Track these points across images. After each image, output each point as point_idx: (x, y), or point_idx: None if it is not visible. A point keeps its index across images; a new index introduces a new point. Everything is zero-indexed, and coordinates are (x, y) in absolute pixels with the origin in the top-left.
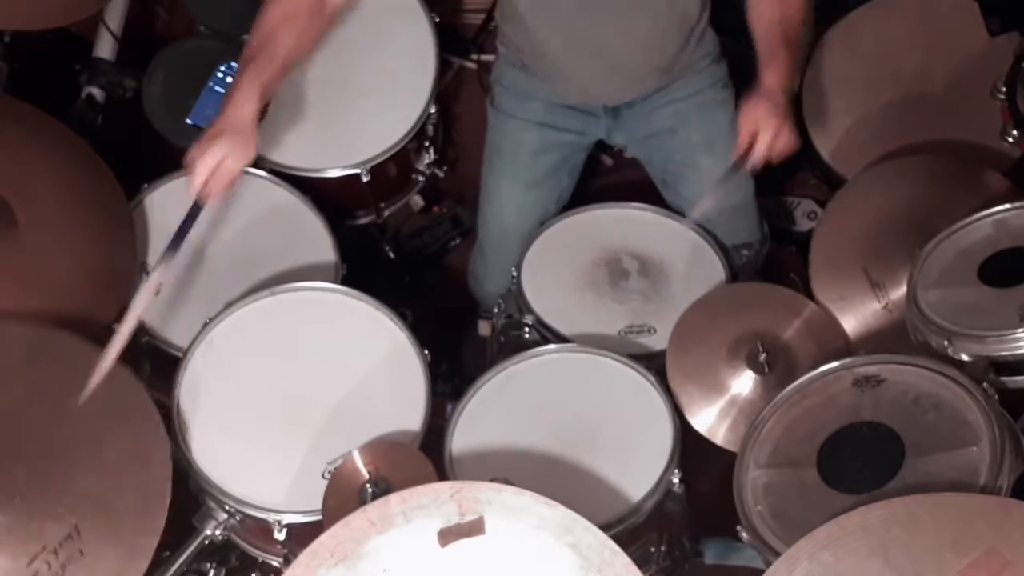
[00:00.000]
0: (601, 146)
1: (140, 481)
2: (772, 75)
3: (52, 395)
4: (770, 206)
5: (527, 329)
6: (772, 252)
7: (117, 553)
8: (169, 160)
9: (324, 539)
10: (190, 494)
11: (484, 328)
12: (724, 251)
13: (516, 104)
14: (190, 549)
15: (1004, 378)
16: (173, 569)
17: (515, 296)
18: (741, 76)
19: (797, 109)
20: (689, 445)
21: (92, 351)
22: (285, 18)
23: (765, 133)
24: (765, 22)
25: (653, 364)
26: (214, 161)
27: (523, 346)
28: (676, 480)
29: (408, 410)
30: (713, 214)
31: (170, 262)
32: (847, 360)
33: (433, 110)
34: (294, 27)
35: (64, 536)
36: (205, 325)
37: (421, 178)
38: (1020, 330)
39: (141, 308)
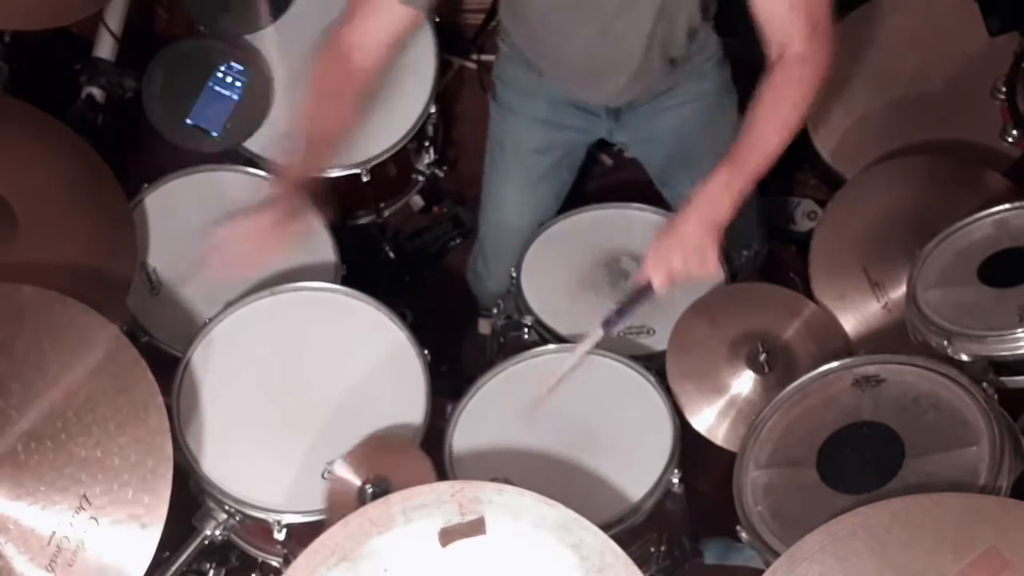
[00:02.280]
0: (601, 145)
1: (138, 435)
2: (697, 192)
3: (32, 362)
4: (768, 205)
5: (526, 330)
6: (772, 252)
7: (131, 513)
8: (169, 160)
9: (325, 539)
10: (190, 494)
11: (484, 326)
12: (724, 251)
13: (519, 101)
14: (190, 549)
15: (1004, 378)
16: (173, 569)
17: (514, 297)
18: (744, 77)
19: None
20: (689, 445)
21: (53, 302)
22: (320, 99)
23: (659, 270)
24: (740, 133)
25: (653, 364)
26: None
27: (523, 346)
28: (676, 480)
29: (408, 410)
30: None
31: None
32: (847, 360)
33: (433, 110)
34: (330, 108)
35: (76, 507)
36: (205, 325)
37: (421, 178)
38: (1020, 330)
39: None
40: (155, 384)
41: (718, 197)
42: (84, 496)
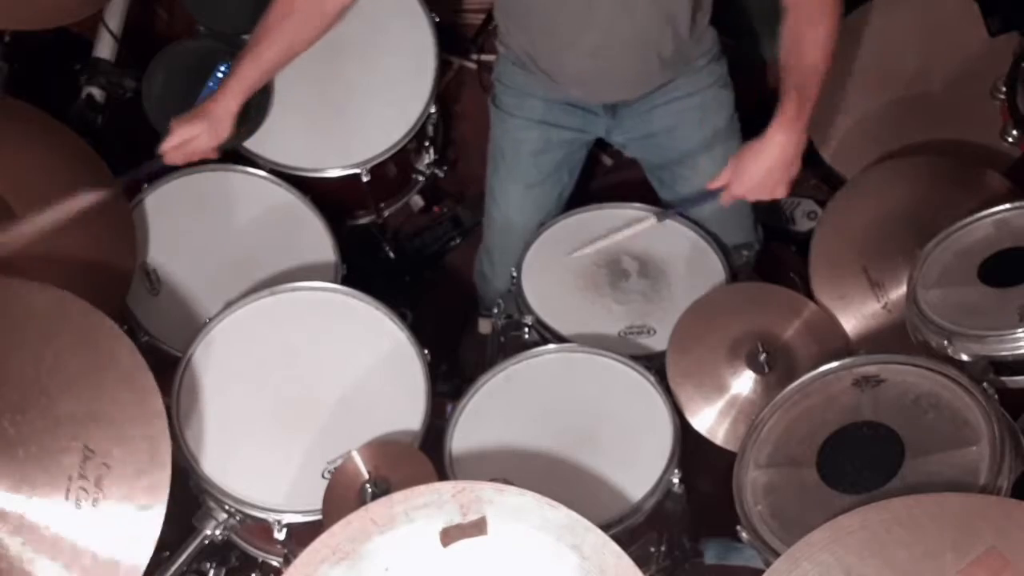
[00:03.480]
0: (601, 145)
1: (118, 378)
2: (779, 127)
3: None
4: (768, 206)
5: (527, 329)
6: (772, 252)
7: (137, 448)
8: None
9: (326, 538)
10: (190, 494)
11: (484, 326)
12: (724, 251)
13: (516, 102)
14: (190, 549)
15: (1004, 378)
16: (173, 569)
17: (515, 296)
18: (740, 75)
19: None
20: (689, 445)
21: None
22: (282, 18)
23: (739, 188)
24: (791, 64)
25: (653, 364)
26: (188, 134)
27: (523, 346)
28: (676, 480)
29: (408, 410)
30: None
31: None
32: (847, 360)
33: (433, 110)
34: (288, 29)
35: (81, 460)
36: (205, 325)
37: (421, 178)
38: (1020, 330)
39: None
40: (115, 326)
41: (797, 125)
42: (86, 447)
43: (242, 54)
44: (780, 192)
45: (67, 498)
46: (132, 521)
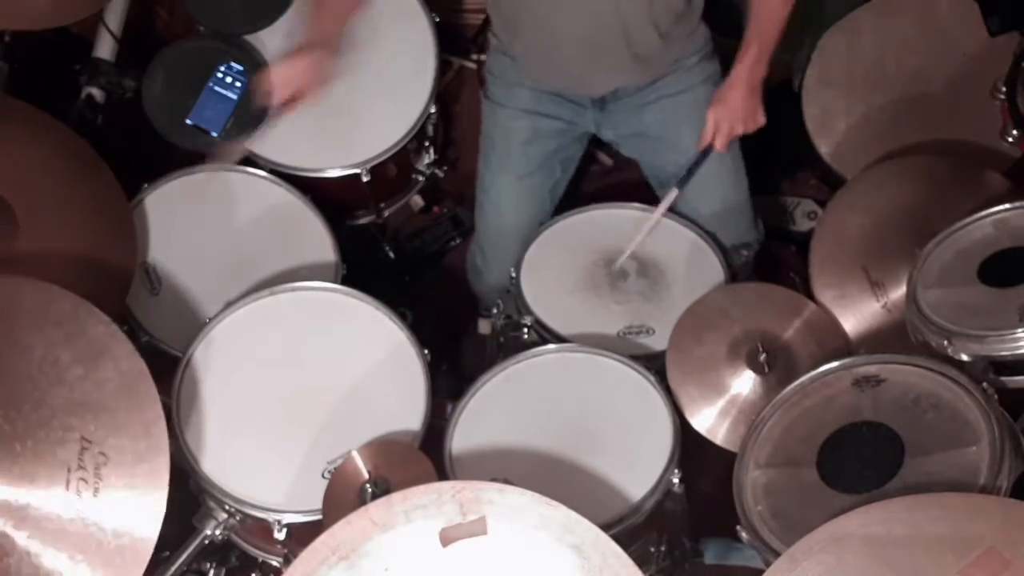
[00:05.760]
0: (600, 144)
1: (112, 368)
2: (739, 68)
3: None
4: (768, 205)
5: (526, 330)
6: (772, 252)
7: (134, 435)
8: (169, 160)
9: (326, 538)
10: (190, 494)
11: (484, 327)
12: (723, 251)
13: (505, 92)
14: (190, 549)
15: (1004, 378)
16: (173, 569)
17: (514, 296)
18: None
19: (797, 109)
20: (689, 445)
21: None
22: None
23: (721, 134)
24: (753, 12)
25: (653, 364)
26: (297, 79)
27: (523, 346)
28: (676, 480)
29: (408, 410)
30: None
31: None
32: (847, 360)
33: (433, 110)
34: None
35: (79, 451)
36: (205, 325)
37: (421, 178)
38: (1020, 330)
39: None
40: (101, 314)
41: (755, 68)
42: (83, 437)
43: (315, 7)
44: (760, 118)
45: (68, 489)
46: (135, 506)
